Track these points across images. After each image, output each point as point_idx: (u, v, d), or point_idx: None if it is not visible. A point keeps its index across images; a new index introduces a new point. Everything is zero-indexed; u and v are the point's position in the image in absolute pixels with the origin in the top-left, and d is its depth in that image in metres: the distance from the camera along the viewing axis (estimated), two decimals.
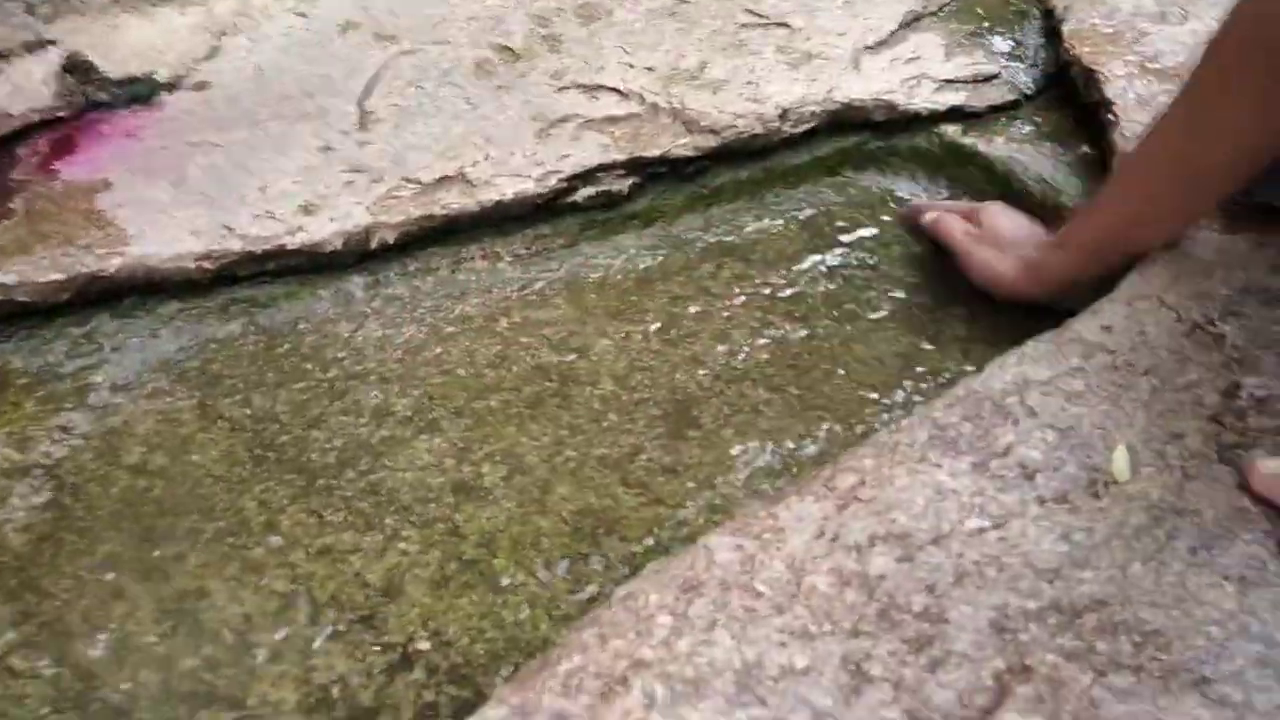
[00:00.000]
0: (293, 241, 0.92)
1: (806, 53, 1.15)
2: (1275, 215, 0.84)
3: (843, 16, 1.22)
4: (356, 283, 0.96)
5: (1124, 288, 0.79)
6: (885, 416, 0.84)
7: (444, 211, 0.95)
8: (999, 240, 0.88)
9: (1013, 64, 1.19)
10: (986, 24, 1.25)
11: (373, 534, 0.76)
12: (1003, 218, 0.90)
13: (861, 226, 1.04)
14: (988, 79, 1.14)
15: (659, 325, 0.93)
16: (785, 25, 1.20)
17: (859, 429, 0.83)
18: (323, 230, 0.93)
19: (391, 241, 0.95)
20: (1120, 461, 0.64)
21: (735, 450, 0.81)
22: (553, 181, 0.99)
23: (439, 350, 0.90)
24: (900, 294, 0.95)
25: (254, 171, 1.00)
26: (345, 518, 0.77)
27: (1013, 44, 1.22)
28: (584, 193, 1.00)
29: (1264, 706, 0.52)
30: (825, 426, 0.83)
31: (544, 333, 0.92)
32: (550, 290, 0.97)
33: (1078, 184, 1.01)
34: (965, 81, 1.13)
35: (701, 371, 0.88)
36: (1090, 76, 1.08)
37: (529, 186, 0.98)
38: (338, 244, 0.93)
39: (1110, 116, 1.01)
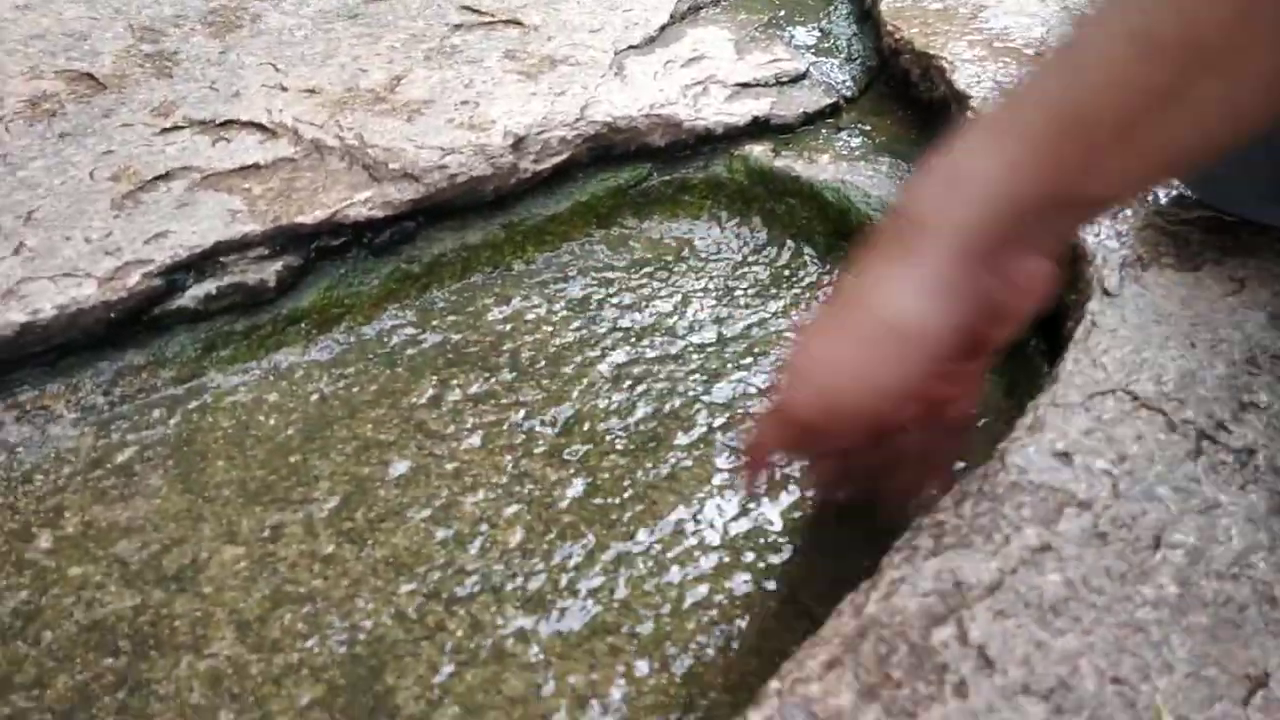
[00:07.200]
0: None
1: (548, 57, 0.81)
2: (1234, 233, 0.57)
3: (596, 9, 0.90)
4: None
5: (1067, 373, 0.49)
6: (719, 630, 0.49)
7: None
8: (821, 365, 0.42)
9: (823, 59, 0.90)
10: (783, 11, 0.97)
11: None
12: (814, 342, 0.43)
13: (658, 299, 0.71)
14: (794, 79, 0.85)
15: (336, 503, 0.56)
16: (517, 23, 0.86)
17: (680, 663, 0.47)
18: None
19: None
20: None
21: None
22: (134, 279, 0.59)
23: None
24: (722, 399, 0.62)
25: None
26: None
27: (819, 34, 0.94)
28: (197, 291, 0.61)
29: None
30: (624, 666, 0.48)
31: (119, 550, 0.52)
32: (143, 464, 0.57)
33: None
34: (765, 84, 0.83)
35: (406, 588, 0.51)
36: (929, 65, 0.80)
37: (89, 293, 0.58)
38: None
39: (969, 114, 0.73)
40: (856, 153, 0.79)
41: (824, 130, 0.82)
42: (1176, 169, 0.40)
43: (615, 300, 0.71)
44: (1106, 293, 0.53)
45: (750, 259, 0.74)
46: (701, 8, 0.94)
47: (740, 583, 0.51)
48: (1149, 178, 0.40)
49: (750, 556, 0.52)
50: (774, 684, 0.36)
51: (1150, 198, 0.61)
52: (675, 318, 0.69)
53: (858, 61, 0.90)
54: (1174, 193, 0.61)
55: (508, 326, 0.69)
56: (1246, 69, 0.33)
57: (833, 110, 0.83)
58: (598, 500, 0.56)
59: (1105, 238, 0.58)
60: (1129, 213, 0.60)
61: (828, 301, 0.43)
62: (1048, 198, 0.37)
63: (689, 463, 0.58)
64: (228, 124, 0.71)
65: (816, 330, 0.42)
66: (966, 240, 0.37)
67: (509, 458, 0.58)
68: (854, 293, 0.40)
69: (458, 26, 0.85)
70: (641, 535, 0.54)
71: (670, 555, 0.52)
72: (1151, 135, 0.35)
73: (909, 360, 0.38)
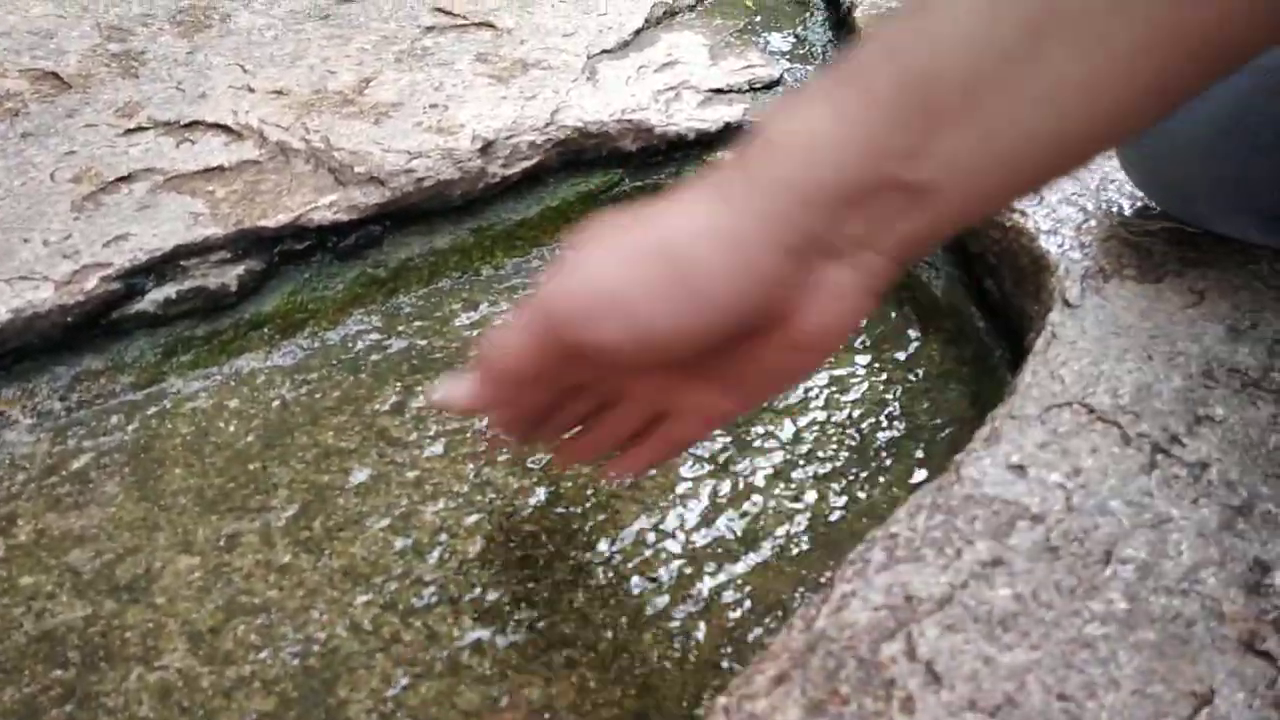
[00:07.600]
0: None
1: (519, 61, 0.81)
2: (1196, 245, 0.57)
3: (570, 13, 0.89)
4: None
5: (1025, 385, 0.49)
6: (676, 642, 0.49)
7: None
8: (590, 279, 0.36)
9: (798, 65, 0.90)
10: (759, 18, 0.97)
11: None
12: (591, 245, 0.37)
13: None
14: (768, 86, 0.85)
15: (294, 512, 0.55)
16: (489, 26, 0.86)
17: (636, 676, 0.47)
18: None
19: None
20: None
21: None
22: (91, 283, 0.58)
23: None
24: None
25: None
26: None
27: (794, 40, 0.94)
28: (157, 295, 0.61)
29: None
30: (580, 679, 0.47)
31: (71, 559, 0.52)
32: (99, 471, 0.56)
33: None
34: (739, 90, 0.83)
35: (362, 599, 0.51)
36: None
37: (45, 297, 0.57)
38: None
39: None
40: None
41: None
42: (1023, 170, 0.32)
43: None
44: (1068, 304, 0.53)
45: None
46: (677, 13, 0.94)
47: (699, 594, 0.51)
48: (991, 175, 0.32)
49: (710, 566, 0.52)
50: (722, 700, 0.36)
51: (1114, 209, 0.61)
52: None
53: None
54: (1138, 204, 0.61)
55: (475, 332, 0.68)
56: (1104, 39, 0.29)
57: None
58: (559, 509, 0.56)
59: (1069, 248, 0.58)
60: (1093, 224, 0.60)
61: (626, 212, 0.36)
62: (877, 171, 0.31)
63: (652, 471, 0.58)
64: (193, 125, 0.70)
65: (600, 235, 0.36)
66: (783, 200, 0.32)
67: (471, 466, 0.58)
68: (651, 210, 0.35)
69: (430, 29, 0.84)
70: (602, 545, 0.53)
71: (630, 565, 0.52)
72: (997, 106, 0.30)
73: (671, 296, 0.33)
